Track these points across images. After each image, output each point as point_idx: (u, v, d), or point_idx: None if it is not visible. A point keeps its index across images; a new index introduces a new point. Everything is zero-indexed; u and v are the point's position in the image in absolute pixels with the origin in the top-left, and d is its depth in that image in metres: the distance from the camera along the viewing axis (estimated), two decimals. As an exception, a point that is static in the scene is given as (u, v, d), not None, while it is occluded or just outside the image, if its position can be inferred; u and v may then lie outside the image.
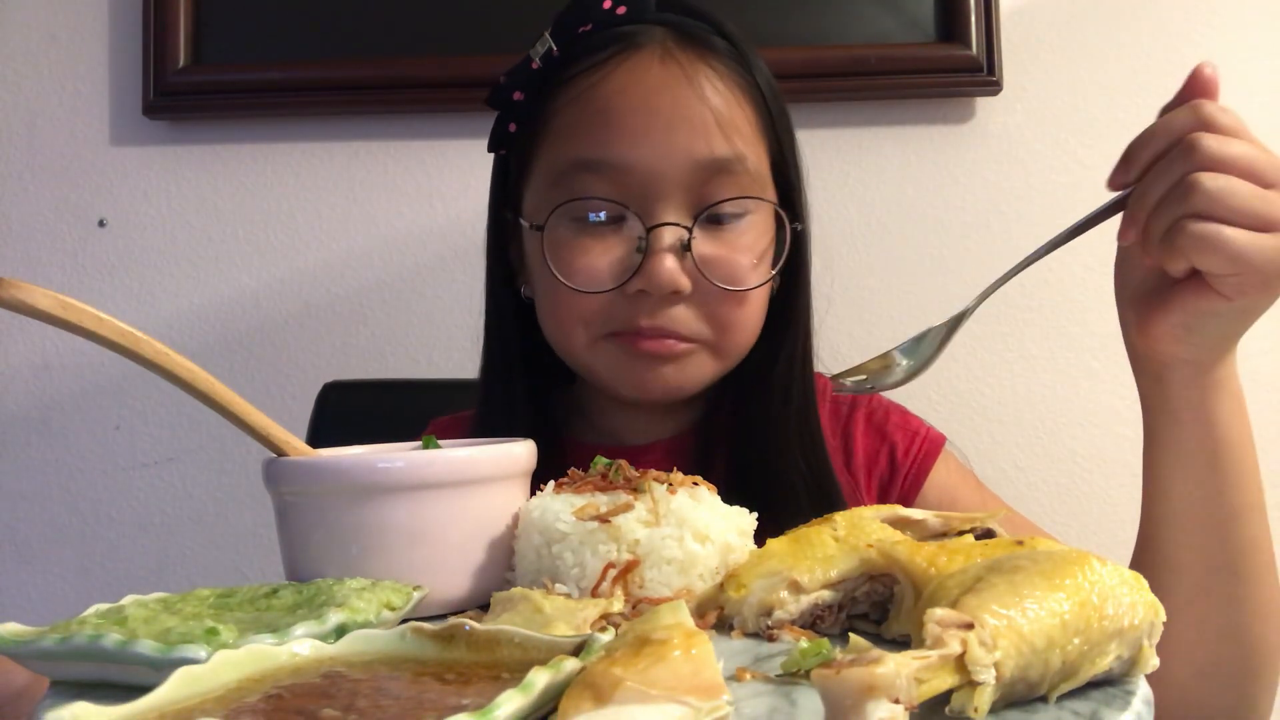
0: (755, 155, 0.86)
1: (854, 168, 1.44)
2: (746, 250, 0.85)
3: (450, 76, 1.42)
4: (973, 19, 1.38)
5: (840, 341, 1.44)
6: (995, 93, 1.40)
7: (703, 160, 0.82)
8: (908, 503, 0.90)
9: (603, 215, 0.83)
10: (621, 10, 0.86)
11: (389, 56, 1.44)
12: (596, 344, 0.86)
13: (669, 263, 0.81)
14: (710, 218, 0.84)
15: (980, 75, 1.38)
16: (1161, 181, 0.64)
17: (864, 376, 0.74)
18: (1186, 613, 0.70)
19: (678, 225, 0.82)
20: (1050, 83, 1.42)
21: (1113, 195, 0.69)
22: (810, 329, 0.94)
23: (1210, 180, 0.62)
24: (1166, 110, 0.68)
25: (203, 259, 1.49)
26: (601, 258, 0.83)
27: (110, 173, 1.50)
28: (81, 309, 0.56)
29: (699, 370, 0.87)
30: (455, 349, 1.46)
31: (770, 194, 0.88)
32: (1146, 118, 0.68)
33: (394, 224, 1.48)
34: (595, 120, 0.83)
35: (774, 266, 0.88)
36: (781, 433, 0.89)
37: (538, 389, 0.96)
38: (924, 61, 1.39)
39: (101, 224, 1.50)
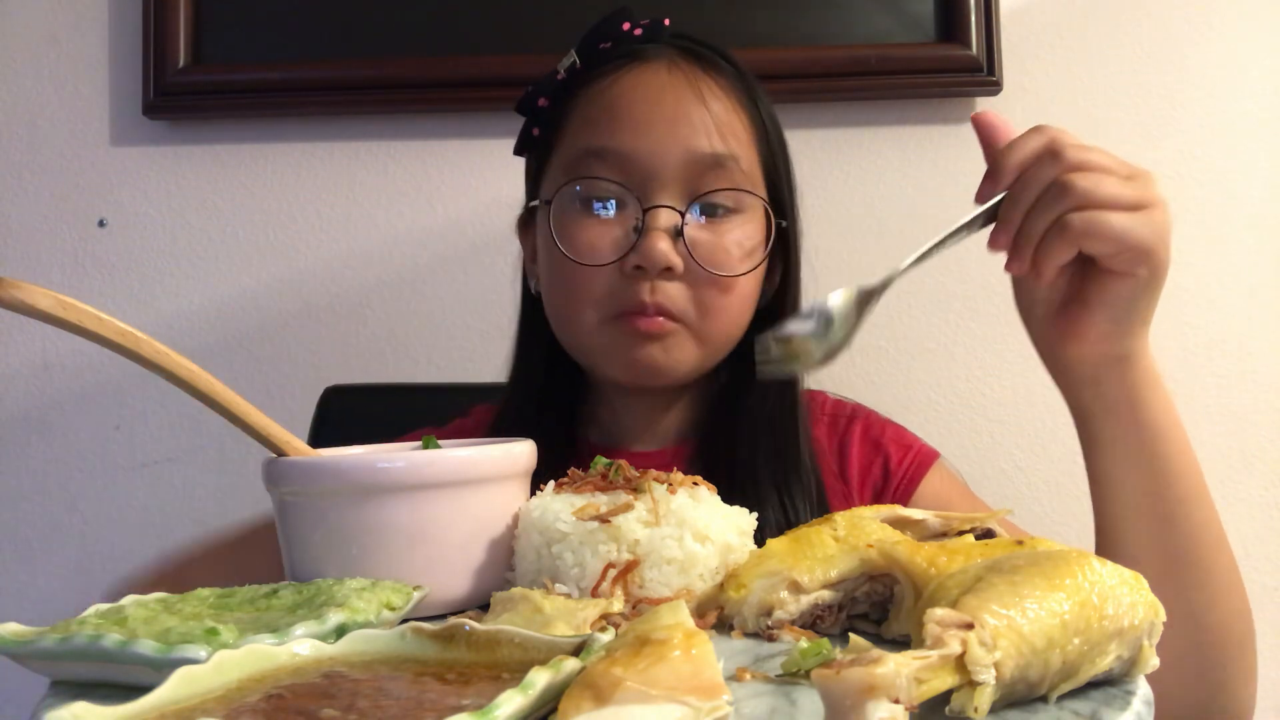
0: (748, 159, 0.93)
1: (854, 168, 1.44)
2: (734, 241, 0.91)
3: (450, 76, 1.42)
4: (973, 19, 1.37)
5: (840, 341, 1.44)
6: (995, 93, 1.40)
7: (699, 155, 0.89)
8: None
9: (610, 205, 0.91)
10: (638, 32, 0.96)
11: (389, 56, 1.44)
12: (603, 326, 0.91)
13: (662, 241, 0.87)
14: (703, 209, 0.91)
15: (980, 75, 1.38)
16: (1033, 187, 0.70)
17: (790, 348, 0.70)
18: None
19: (672, 209, 0.89)
20: (1050, 83, 1.42)
21: (981, 207, 0.73)
22: None
23: (1082, 178, 0.69)
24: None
25: (203, 259, 1.49)
26: (603, 235, 0.90)
27: (110, 173, 1.50)
28: (81, 309, 0.56)
29: (681, 352, 0.91)
30: (456, 350, 1.46)
31: (761, 194, 0.94)
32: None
33: (394, 224, 1.48)
34: (605, 115, 0.92)
35: (761, 259, 0.93)
36: (753, 425, 0.95)
37: (558, 392, 1.01)
38: (924, 61, 1.39)
39: (101, 224, 1.50)
